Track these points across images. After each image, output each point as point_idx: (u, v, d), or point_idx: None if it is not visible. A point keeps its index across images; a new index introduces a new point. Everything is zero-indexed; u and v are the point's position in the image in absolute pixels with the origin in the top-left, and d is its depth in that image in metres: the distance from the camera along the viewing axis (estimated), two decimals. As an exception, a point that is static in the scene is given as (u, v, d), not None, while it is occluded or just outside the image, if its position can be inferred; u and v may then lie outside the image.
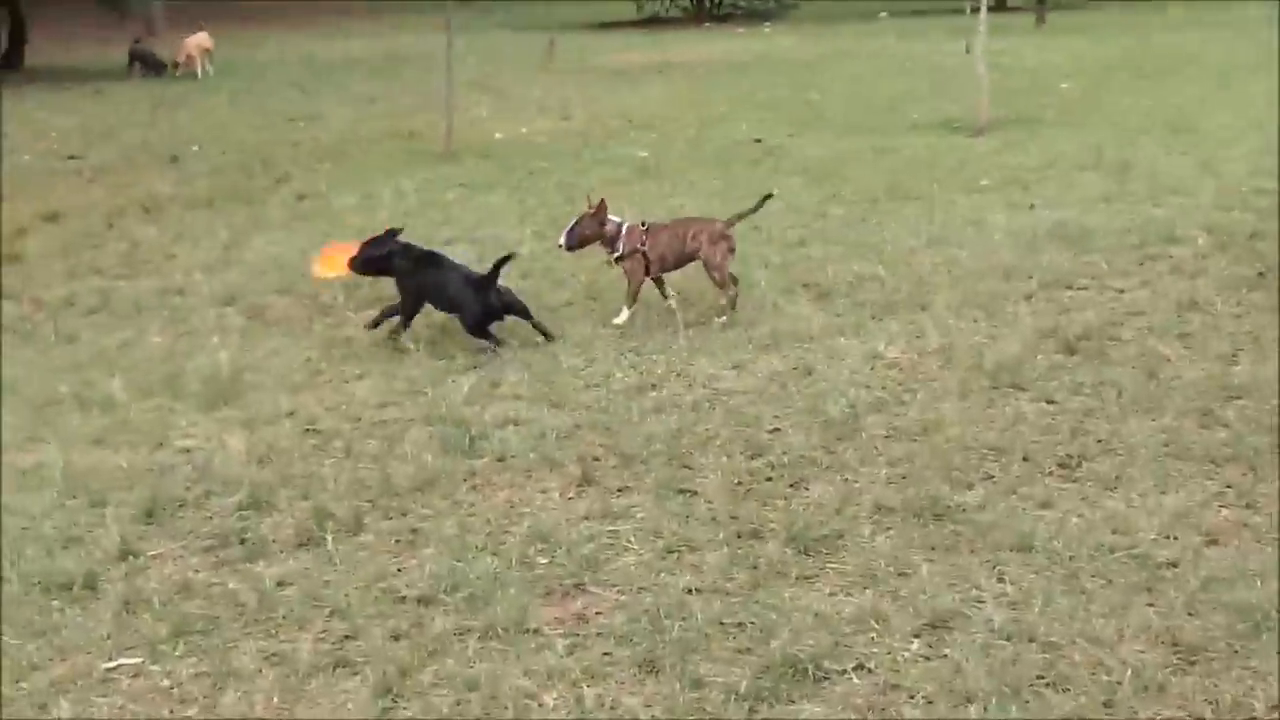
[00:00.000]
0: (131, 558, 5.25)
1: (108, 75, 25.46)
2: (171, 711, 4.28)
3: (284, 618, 4.79)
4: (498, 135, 16.32)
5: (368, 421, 6.58)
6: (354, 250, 7.91)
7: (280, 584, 5.01)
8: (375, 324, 7.77)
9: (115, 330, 8.16)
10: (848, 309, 8.09)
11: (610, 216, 7.97)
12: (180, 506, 5.70)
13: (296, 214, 11.49)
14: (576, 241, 7.96)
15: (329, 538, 5.32)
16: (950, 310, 7.94)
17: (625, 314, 7.92)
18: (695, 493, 5.61)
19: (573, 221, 8.02)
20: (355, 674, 4.43)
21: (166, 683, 4.43)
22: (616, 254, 7.95)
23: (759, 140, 15.04)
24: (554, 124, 17.38)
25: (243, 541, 5.37)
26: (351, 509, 5.54)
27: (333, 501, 5.62)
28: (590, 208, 7.98)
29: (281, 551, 5.28)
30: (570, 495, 5.66)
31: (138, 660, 4.56)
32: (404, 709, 4.23)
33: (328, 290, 8.81)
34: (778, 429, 6.27)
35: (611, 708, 4.13)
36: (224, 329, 8.09)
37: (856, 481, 5.65)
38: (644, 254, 7.90)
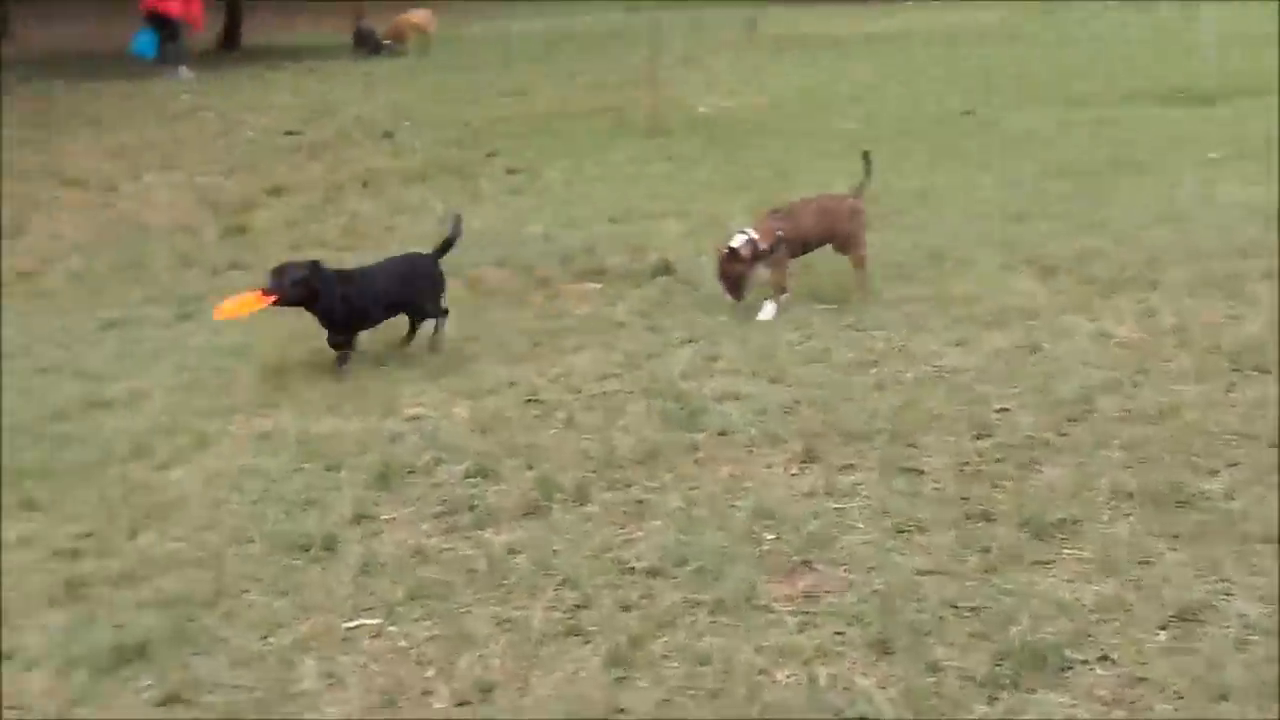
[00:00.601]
0: (366, 521, 5.40)
1: (321, 53, 26.20)
2: (410, 672, 4.38)
3: (515, 584, 4.86)
4: (702, 109, 16.31)
5: (587, 394, 6.63)
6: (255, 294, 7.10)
7: (510, 551, 5.09)
8: (343, 361, 7.24)
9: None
10: (1073, 285, 7.85)
11: (740, 235, 7.65)
12: (410, 473, 5.83)
13: (508, 187, 11.65)
14: (735, 288, 7.72)
15: (555, 507, 5.38)
16: (1183, 288, 7.63)
17: (773, 308, 7.65)
18: (922, 472, 5.51)
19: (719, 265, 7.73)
20: (587, 643, 4.47)
21: (404, 644, 4.54)
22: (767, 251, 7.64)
23: (969, 113, 14.70)
24: (759, 97, 17.28)
25: (471, 509, 5.47)
26: (576, 480, 5.59)
27: (557, 472, 5.68)
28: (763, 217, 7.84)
29: (509, 519, 5.35)
30: (794, 471, 5.61)
31: (376, 621, 4.68)
32: (636, 679, 4.24)
33: (544, 261, 8.91)
34: (1005, 409, 6.11)
35: (845, 688, 4.08)
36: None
37: (1091, 465, 5.47)
38: (784, 241, 7.68)
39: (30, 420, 6.55)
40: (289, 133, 15.71)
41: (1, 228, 10.32)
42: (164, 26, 22.31)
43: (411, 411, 6.51)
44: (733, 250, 7.52)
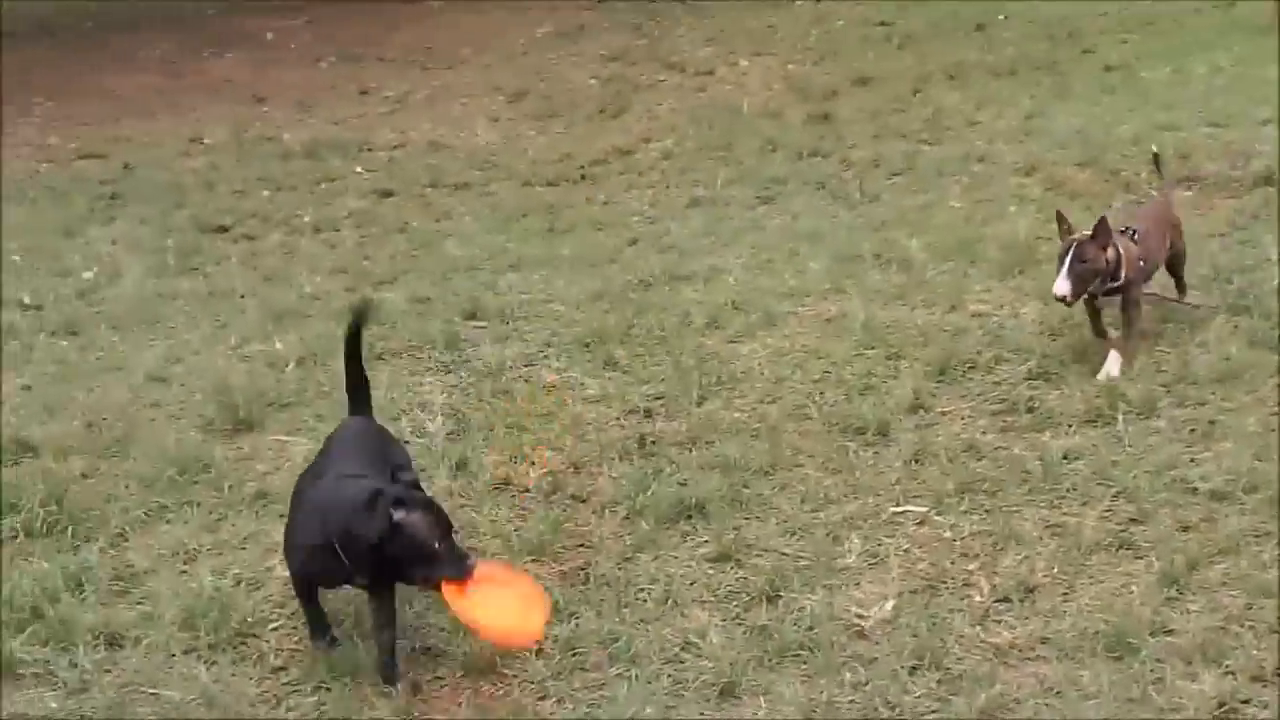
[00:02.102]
0: (922, 411, 5.43)
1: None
2: (952, 562, 4.40)
3: (1068, 491, 4.76)
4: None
5: (1167, 305, 6.27)
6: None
7: (1066, 457, 4.96)
8: None
9: (917, 193, 8.36)
10: None
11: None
12: (970, 368, 5.78)
13: (1103, 86, 11.08)
14: (1082, 286, 5.48)
15: (1120, 418, 5.17)
16: None
17: (1118, 363, 5.59)
18: None
19: (1067, 253, 5.47)
20: (1139, 558, 4.32)
21: (949, 534, 4.57)
22: (1116, 284, 5.60)
23: None
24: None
25: (1030, 410, 5.37)
26: (1145, 393, 5.34)
27: (1125, 382, 5.44)
28: (1072, 230, 5.59)
29: (1069, 425, 5.21)
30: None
31: (923, 509, 4.73)
32: (1188, 602, 4.06)
33: (1129, 164, 8.46)
34: None
35: None
36: (1022, 198, 8.02)
37: None
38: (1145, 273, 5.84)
39: (618, 287, 7.04)
40: (881, 23, 15.73)
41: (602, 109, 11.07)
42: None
43: (977, 307, 6.44)
44: (1099, 234, 5.50)
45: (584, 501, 4.98)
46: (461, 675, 4.02)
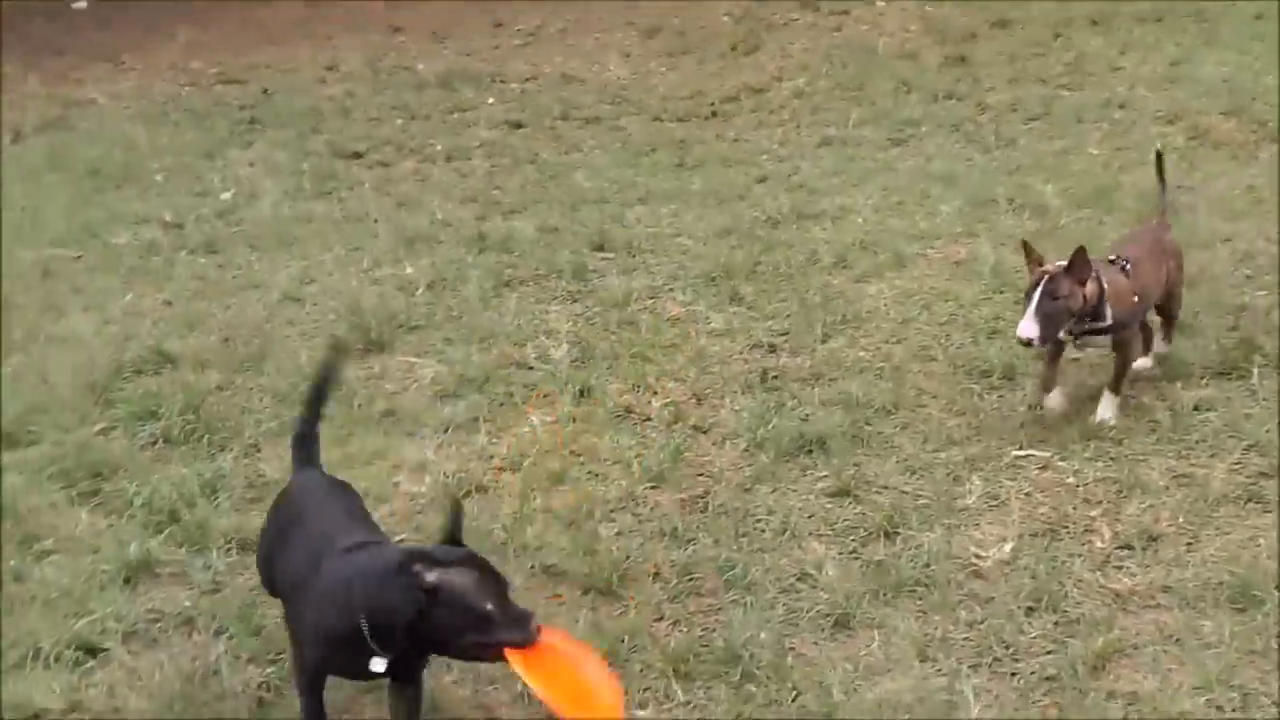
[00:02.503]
0: (1064, 358, 5.36)
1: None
2: (1074, 508, 4.36)
3: (1197, 442, 4.68)
4: None
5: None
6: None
7: (1197, 408, 4.88)
8: None
9: (1054, 139, 8.19)
10: None
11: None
12: (1101, 316, 5.68)
13: (1252, 33, 10.72)
14: (1053, 329, 4.64)
15: (1255, 371, 5.06)
16: None
17: (1113, 405, 4.89)
18: None
19: (1036, 289, 4.61)
20: (1268, 512, 4.24)
21: (1072, 480, 4.52)
22: (1101, 324, 4.76)
23: None
24: None
25: (1161, 360, 5.26)
26: (1282, 346, 5.22)
27: (1262, 335, 5.32)
28: (1041, 262, 4.72)
29: (1201, 376, 5.11)
30: None
31: (1046, 454, 4.69)
32: (1321, 560, 3.98)
33: (1277, 115, 8.20)
34: None
35: None
36: (1164, 147, 7.82)
37: None
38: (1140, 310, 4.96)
39: (746, 224, 7.03)
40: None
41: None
42: None
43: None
44: (1076, 265, 4.64)
45: (705, 432, 5.02)
46: (581, 594, 4.09)
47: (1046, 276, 4.59)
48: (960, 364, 5.35)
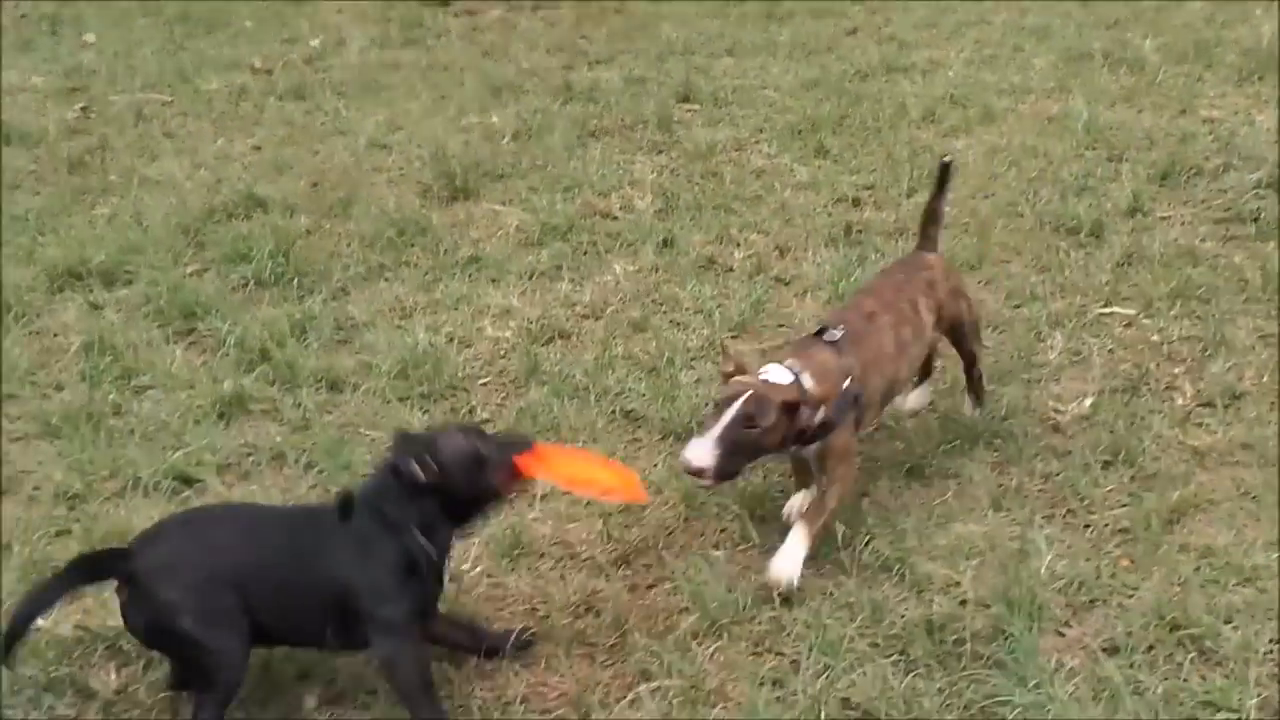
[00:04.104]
0: (1140, 215, 5.29)
1: None
2: (1157, 365, 4.33)
3: (1286, 300, 4.61)
4: None
5: None
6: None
7: (1291, 268, 4.80)
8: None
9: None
10: None
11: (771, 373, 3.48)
12: (1195, 174, 5.59)
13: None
14: (735, 463, 3.37)
15: (1353, 233, 4.96)
16: None
17: (796, 558, 3.44)
18: None
19: (728, 407, 3.34)
20: (1357, 376, 4.18)
21: (1156, 337, 4.48)
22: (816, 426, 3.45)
23: None
24: None
25: (1255, 220, 5.18)
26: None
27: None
28: (742, 370, 3.50)
29: (1298, 237, 5.03)
30: None
31: (1131, 311, 4.65)
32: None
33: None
34: None
35: None
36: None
37: None
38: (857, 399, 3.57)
39: (834, 76, 6.94)
40: None
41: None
42: None
43: (1209, 112, 6.17)
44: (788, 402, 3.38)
45: (787, 284, 5.02)
46: (660, 438, 4.14)
47: (750, 396, 3.35)
48: (1047, 220, 5.29)
